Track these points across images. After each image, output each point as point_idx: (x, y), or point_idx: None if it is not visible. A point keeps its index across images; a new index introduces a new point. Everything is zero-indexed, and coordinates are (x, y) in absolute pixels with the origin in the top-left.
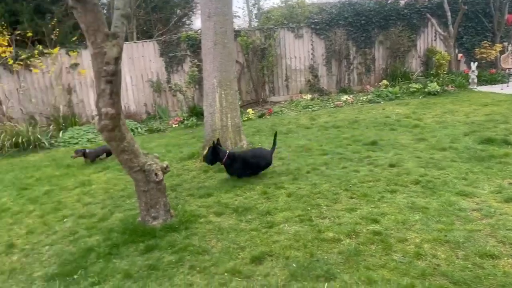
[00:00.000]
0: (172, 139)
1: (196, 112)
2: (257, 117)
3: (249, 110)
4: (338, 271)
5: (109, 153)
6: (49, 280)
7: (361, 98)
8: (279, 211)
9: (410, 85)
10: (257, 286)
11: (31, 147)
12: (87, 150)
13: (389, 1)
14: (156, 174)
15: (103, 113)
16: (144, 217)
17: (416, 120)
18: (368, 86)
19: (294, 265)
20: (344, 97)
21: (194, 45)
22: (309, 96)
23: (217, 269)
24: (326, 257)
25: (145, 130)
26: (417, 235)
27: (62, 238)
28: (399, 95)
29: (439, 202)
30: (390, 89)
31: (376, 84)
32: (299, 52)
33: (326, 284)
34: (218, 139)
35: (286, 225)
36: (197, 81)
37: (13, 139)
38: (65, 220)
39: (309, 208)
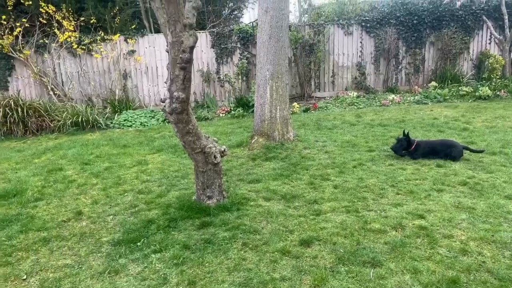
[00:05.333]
0: (220, 127)
1: (243, 103)
2: (302, 111)
3: (295, 104)
4: (384, 259)
5: None
6: (116, 245)
7: (408, 99)
8: (326, 201)
9: (460, 88)
10: (306, 266)
11: (89, 126)
12: None
13: (444, 2)
14: (215, 157)
15: (175, 96)
16: (200, 196)
17: (465, 124)
18: (416, 87)
19: (341, 250)
20: (391, 96)
21: (245, 38)
22: (354, 94)
23: (268, 247)
24: (372, 245)
25: None
26: (463, 233)
27: (124, 210)
28: (448, 97)
29: (487, 204)
30: (439, 91)
31: (424, 85)
32: (347, 49)
33: (373, 269)
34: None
35: (333, 214)
36: (245, 73)
37: (74, 118)
38: (126, 194)
39: (355, 200)
